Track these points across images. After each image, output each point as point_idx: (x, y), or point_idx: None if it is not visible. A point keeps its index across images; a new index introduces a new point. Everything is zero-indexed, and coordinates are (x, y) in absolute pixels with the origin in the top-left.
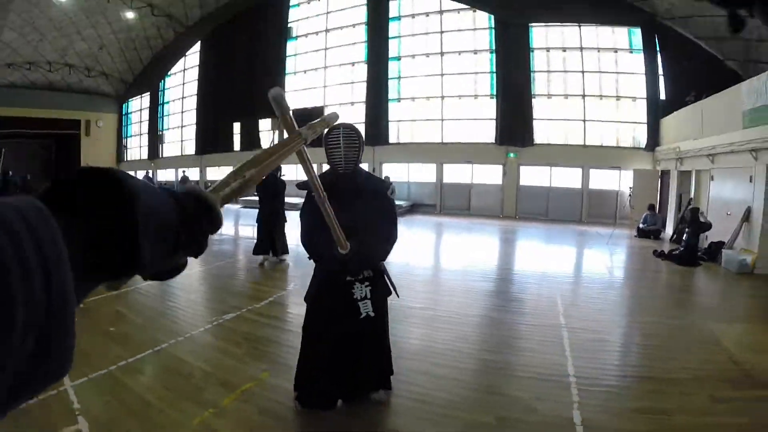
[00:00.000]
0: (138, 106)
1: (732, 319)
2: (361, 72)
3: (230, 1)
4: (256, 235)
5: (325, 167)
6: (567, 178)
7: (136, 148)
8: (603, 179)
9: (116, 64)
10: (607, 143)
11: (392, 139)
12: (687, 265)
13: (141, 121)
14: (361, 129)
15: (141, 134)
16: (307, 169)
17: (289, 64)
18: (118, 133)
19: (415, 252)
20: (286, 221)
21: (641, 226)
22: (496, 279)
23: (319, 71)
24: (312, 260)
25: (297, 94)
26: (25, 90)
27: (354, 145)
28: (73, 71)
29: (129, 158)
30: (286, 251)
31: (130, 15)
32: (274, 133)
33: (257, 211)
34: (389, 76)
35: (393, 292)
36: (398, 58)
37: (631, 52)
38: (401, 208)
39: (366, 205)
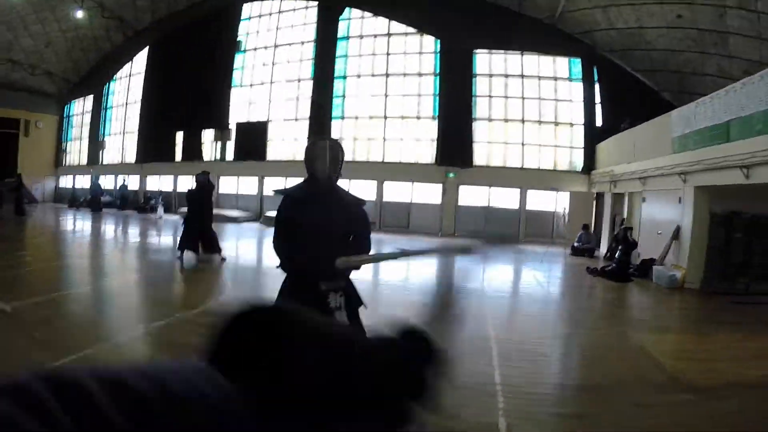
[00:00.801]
0: (80, 108)
1: (660, 329)
2: (307, 88)
3: (182, 9)
4: (183, 235)
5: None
6: (505, 198)
7: (76, 152)
8: (540, 200)
9: (61, 64)
10: (545, 166)
11: None
12: (619, 281)
13: (82, 125)
14: (303, 146)
15: (81, 138)
16: None
17: (236, 77)
18: (57, 135)
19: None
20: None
21: (576, 244)
22: (431, 293)
23: (266, 85)
24: (281, 268)
25: (242, 107)
26: None
27: (337, 158)
28: (17, 68)
29: (67, 162)
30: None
31: (79, 14)
32: (215, 144)
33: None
34: (334, 94)
35: (362, 302)
36: (344, 77)
37: (570, 81)
38: None
39: (348, 215)
